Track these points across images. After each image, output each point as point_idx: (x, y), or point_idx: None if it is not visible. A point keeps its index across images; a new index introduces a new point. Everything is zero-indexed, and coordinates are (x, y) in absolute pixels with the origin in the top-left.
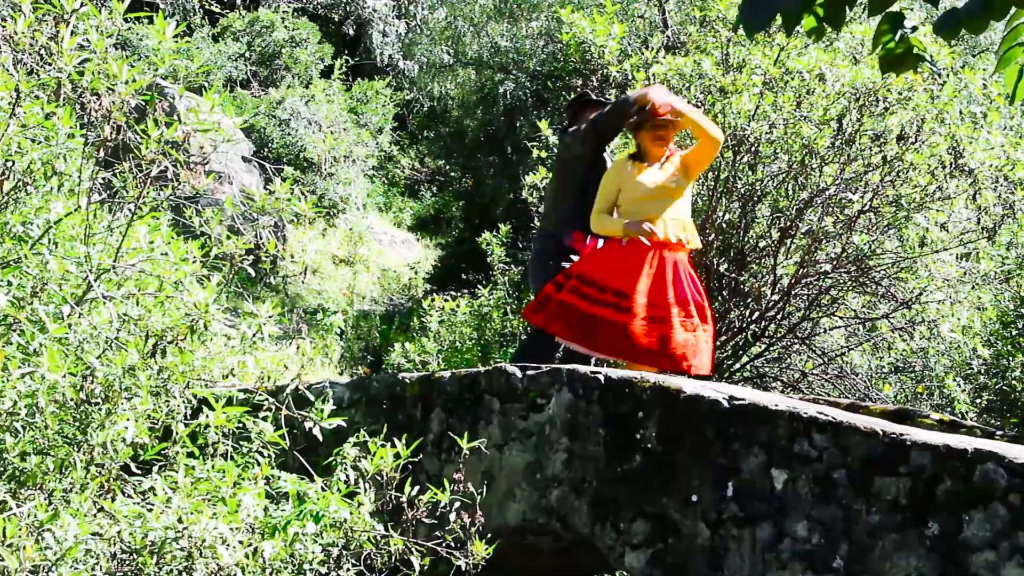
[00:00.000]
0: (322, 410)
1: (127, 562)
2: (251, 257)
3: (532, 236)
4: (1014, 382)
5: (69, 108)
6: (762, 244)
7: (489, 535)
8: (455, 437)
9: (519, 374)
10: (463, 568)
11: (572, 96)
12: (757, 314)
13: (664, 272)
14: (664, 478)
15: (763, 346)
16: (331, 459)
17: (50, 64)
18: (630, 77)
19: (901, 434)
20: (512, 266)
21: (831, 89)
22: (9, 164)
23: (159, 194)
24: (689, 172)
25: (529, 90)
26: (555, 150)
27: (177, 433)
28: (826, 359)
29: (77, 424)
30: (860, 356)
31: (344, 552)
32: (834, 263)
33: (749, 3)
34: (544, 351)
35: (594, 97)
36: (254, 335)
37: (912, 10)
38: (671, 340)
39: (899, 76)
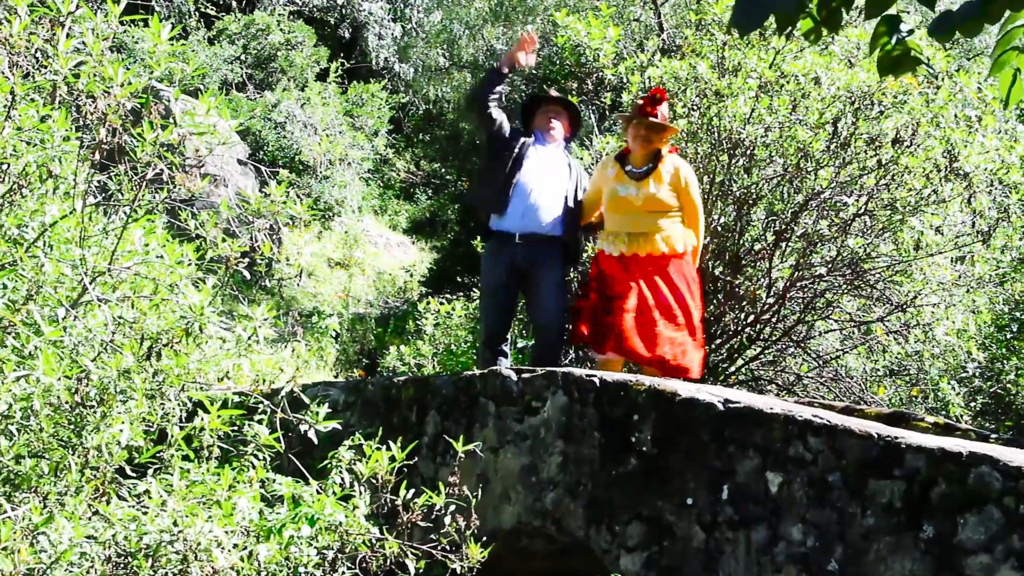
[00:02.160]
0: (317, 413)
1: (122, 565)
2: (246, 260)
3: None
4: (1009, 385)
5: (65, 111)
6: (757, 247)
7: (484, 538)
8: (450, 440)
9: (514, 377)
10: (458, 571)
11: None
12: (752, 317)
13: (640, 279)
14: (659, 481)
15: (758, 349)
16: (326, 462)
17: (46, 67)
18: (625, 80)
19: (896, 437)
20: None
21: (826, 93)
22: (4, 167)
23: (154, 197)
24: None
25: (525, 93)
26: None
27: (172, 436)
28: (821, 362)
29: (72, 427)
30: (855, 359)
31: (339, 555)
32: (829, 266)
33: (743, 3)
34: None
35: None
36: (249, 338)
37: (908, 13)
38: (657, 338)
39: (896, 79)
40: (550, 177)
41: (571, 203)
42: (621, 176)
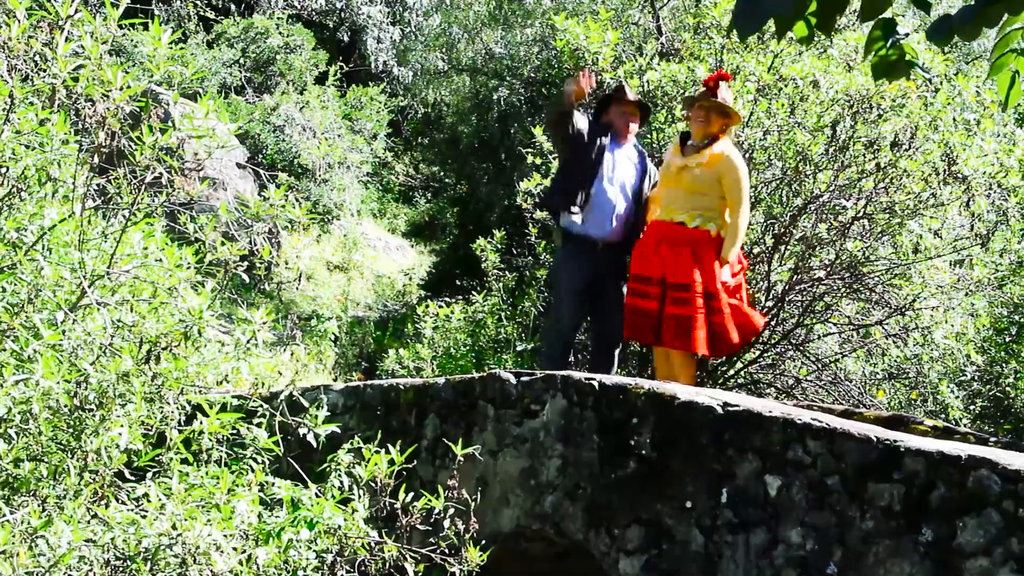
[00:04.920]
0: (316, 416)
1: (121, 569)
2: (245, 263)
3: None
4: (1007, 388)
5: (64, 114)
6: (756, 250)
7: (483, 541)
8: (449, 443)
9: (513, 380)
10: (457, 575)
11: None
12: None
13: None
14: (658, 484)
15: (757, 352)
16: (325, 465)
17: (45, 70)
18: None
19: (895, 440)
20: (506, 272)
21: (825, 96)
22: (3, 170)
23: (153, 200)
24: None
25: (523, 96)
26: (551, 155)
27: (171, 439)
28: (820, 365)
29: (71, 430)
30: (854, 362)
31: (338, 559)
32: (828, 269)
33: (742, 6)
34: None
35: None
36: (248, 341)
37: (904, 16)
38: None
39: (892, 83)
40: (628, 183)
41: (641, 204)
42: (677, 152)
